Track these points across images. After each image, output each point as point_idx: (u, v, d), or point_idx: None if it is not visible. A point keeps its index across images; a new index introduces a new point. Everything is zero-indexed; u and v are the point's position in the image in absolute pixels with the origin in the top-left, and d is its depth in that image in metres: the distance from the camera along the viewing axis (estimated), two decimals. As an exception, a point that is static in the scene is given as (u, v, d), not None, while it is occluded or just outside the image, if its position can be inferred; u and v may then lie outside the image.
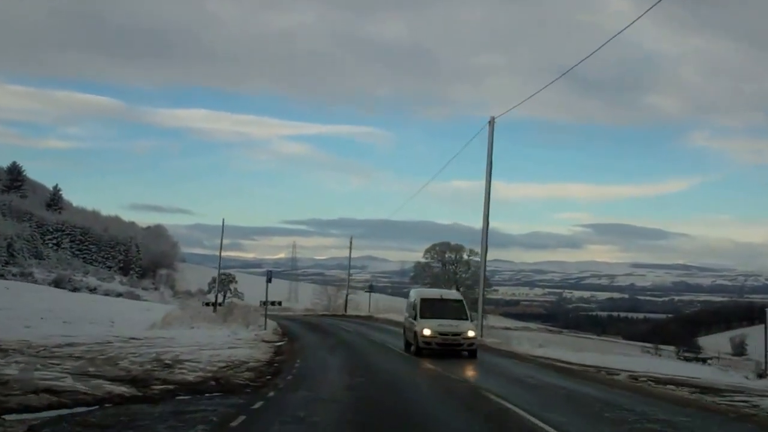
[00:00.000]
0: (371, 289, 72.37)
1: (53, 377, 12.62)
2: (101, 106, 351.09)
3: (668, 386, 15.44)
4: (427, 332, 21.07)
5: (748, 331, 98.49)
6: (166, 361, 16.37)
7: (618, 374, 17.75)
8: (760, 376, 22.04)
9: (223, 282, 72.33)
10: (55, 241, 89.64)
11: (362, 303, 69.53)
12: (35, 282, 68.91)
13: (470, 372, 17.65)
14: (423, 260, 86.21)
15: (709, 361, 42.71)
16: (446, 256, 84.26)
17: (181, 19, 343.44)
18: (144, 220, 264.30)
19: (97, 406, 10.31)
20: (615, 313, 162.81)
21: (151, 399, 11.21)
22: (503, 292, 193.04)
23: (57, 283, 70.28)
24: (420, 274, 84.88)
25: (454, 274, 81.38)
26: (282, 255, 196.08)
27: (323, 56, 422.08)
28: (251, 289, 68.55)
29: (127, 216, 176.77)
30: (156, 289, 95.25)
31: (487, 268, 31.84)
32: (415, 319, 22.22)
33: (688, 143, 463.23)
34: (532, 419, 10.14)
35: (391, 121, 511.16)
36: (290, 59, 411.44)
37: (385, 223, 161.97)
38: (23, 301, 40.11)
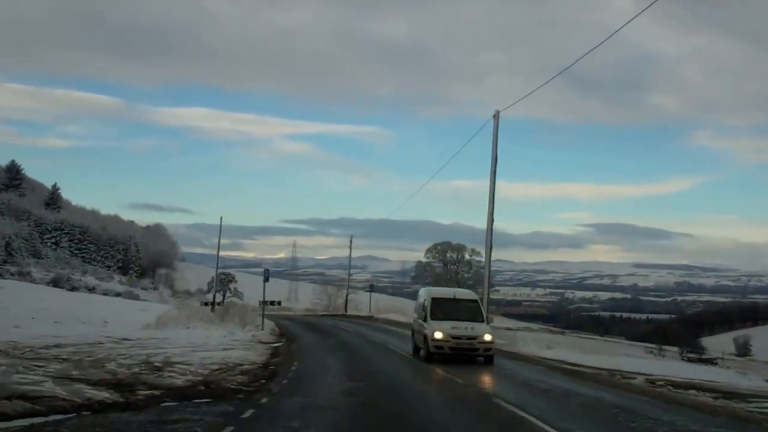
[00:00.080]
0: (372, 288, 71.41)
1: (32, 381, 11.79)
2: (101, 104, 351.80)
3: (690, 391, 14.58)
4: (438, 335, 19.14)
5: (752, 332, 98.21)
6: (156, 364, 15.59)
7: (634, 378, 16.91)
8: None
9: (223, 281, 71.67)
10: (53, 240, 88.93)
11: (363, 303, 68.77)
12: (33, 281, 68.20)
13: (477, 376, 16.62)
14: (424, 260, 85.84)
15: (715, 362, 42.09)
16: (448, 255, 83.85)
17: (181, 17, 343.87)
18: (143, 219, 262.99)
19: (73, 414, 9.52)
20: (617, 314, 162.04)
21: (134, 406, 10.39)
22: (504, 293, 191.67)
23: (55, 283, 69.53)
24: (421, 273, 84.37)
25: (455, 274, 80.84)
26: (282, 254, 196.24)
27: (324, 55, 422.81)
28: (251, 289, 67.74)
29: (126, 215, 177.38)
30: (155, 288, 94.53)
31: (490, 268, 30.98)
32: (425, 320, 20.30)
33: (690, 143, 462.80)
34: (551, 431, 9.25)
35: (391, 121, 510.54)
36: (290, 58, 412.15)
37: (386, 222, 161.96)
38: (18, 301, 39.31)
